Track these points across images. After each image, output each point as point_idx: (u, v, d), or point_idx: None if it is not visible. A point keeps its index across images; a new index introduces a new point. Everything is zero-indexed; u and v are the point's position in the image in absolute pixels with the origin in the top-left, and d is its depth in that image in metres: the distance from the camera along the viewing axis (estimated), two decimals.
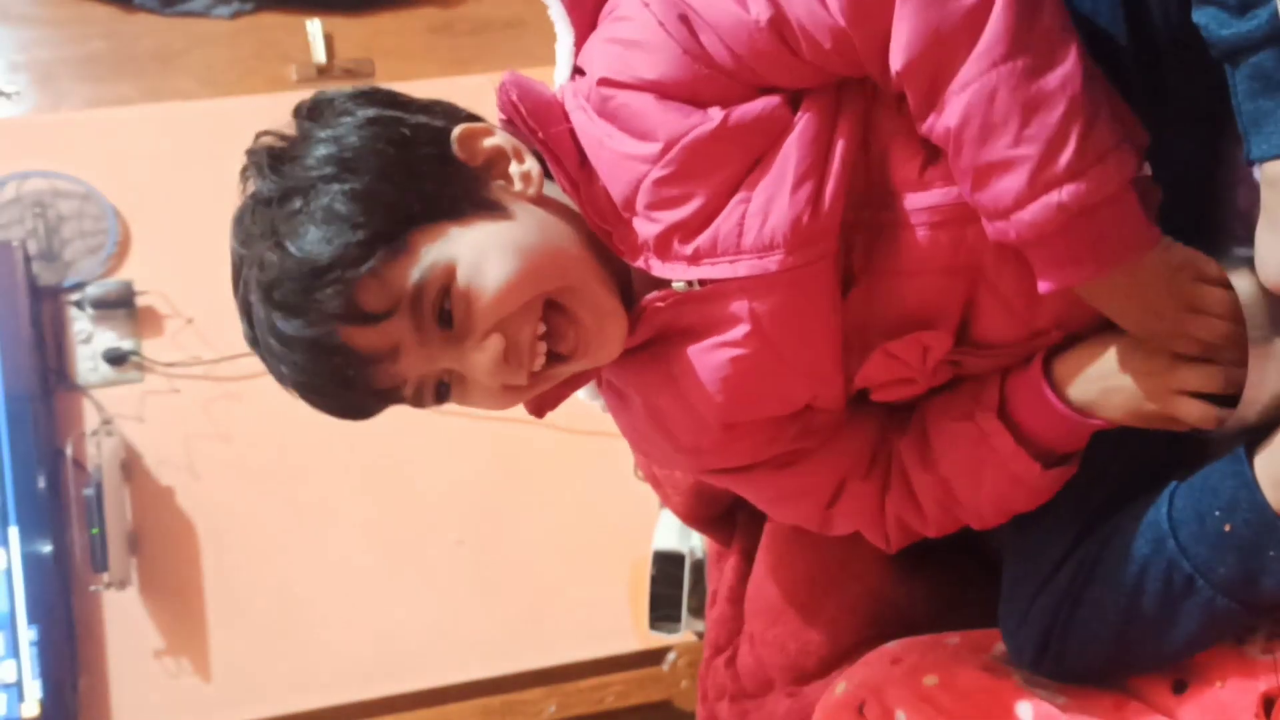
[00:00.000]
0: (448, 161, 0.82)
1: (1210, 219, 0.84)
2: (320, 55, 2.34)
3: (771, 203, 0.80)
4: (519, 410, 0.92)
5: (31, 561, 2.02)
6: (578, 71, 0.87)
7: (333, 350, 0.77)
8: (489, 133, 0.84)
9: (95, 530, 2.02)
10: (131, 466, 2.16)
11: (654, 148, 0.80)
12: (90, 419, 2.16)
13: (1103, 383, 0.85)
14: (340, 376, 0.79)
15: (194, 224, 2.19)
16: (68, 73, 2.35)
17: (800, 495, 0.97)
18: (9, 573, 2.01)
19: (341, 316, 0.76)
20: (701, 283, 0.83)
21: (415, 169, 0.80)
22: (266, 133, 0.83)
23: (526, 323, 0.81)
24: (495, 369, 0.80)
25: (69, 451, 2.10)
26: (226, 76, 2.32)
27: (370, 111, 0.82)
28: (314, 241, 0.77)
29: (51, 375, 2.15)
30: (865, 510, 0.96)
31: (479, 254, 0.79)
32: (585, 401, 1.03)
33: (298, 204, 0.78)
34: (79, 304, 2.18)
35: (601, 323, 0.84)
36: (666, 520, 2.08)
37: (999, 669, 0.95)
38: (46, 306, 2.18)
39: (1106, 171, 0.73)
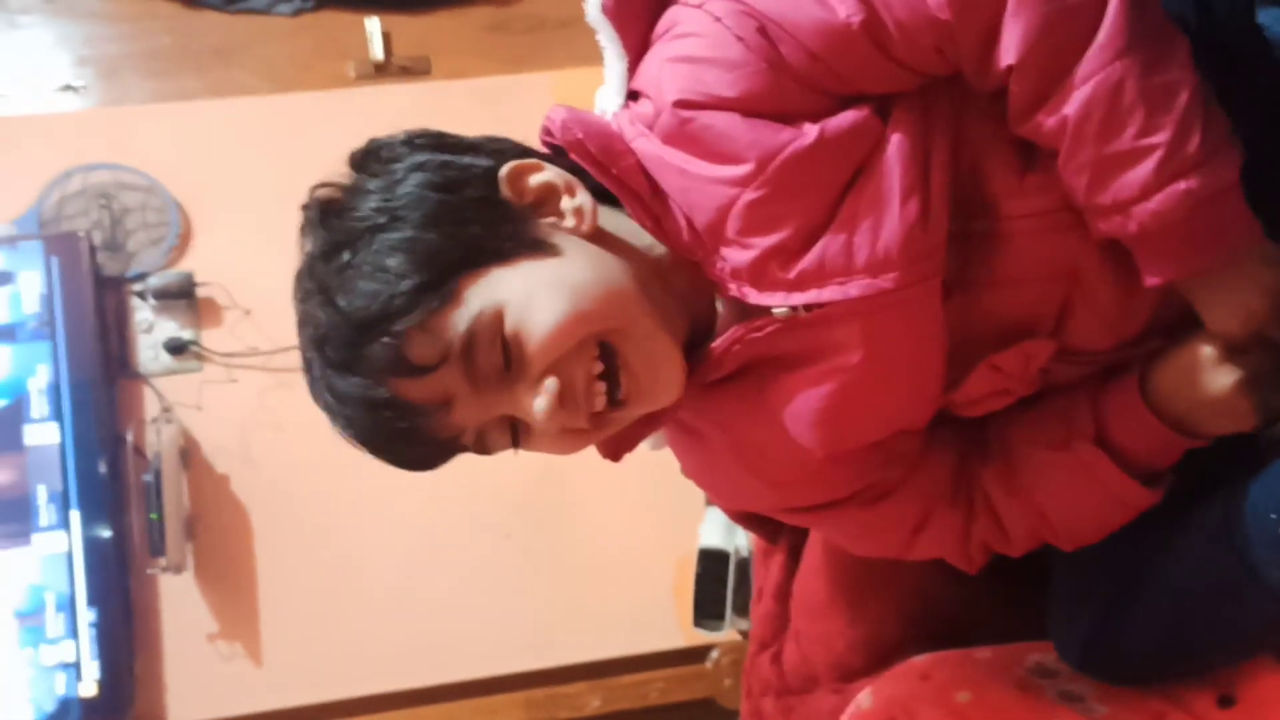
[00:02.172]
0: (495, 203, 0.80)
1: (1271, 214, 0.83)
2: (378, 52, 2.37)
3: (881, 219, 0.77)
4: None
5: (92, 545, 2.06)
6: (630, 98, 0.84)
7: (385, 404, 0.77)
8: (538, 168, 0.82)
9: (154, 515, 2.05)
10: (189, 454, 2.20)
11: (744, 169, 0.77)
12: (150, 407, 2.20)
13: (1209, 405, 0.82)
14: (395, 430, 0.78)
15: (254, 217, 2.24)
16: (133, 67, 2.39)
17: (886, 530, 0.94)
18: (70, 556, 2.05)
19: (391, 370, 0.76)
20: (807, 308, 0.80)
21: (461, 213, 0.79)
22: (323, 185, 0.83)
23: (580, 363, 0.78)
24: (552, 411, 0.77)
25: (130, 438, 2.14)
26: (287, 72, 2.35)
27: (418, 158, 0.80)
28: (361, 296, 0.76)
29: (114, 364, 2.19)
30: (951, 538, 0.94)
31: (527, 295, 0.77)
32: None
33: (346, 257, 0.78)
34: (141, 294, 2.22)
35: (655, 370, 0.80)
36: (712, 518, 2.08)
37: (1033, 684, 0.94)
38: (110, 296, 2.22)
39: (1226, 159, 0.73)
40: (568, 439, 0.81)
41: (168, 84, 2.38)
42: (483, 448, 0.81)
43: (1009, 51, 0.73)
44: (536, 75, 2.38)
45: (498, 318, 0.77)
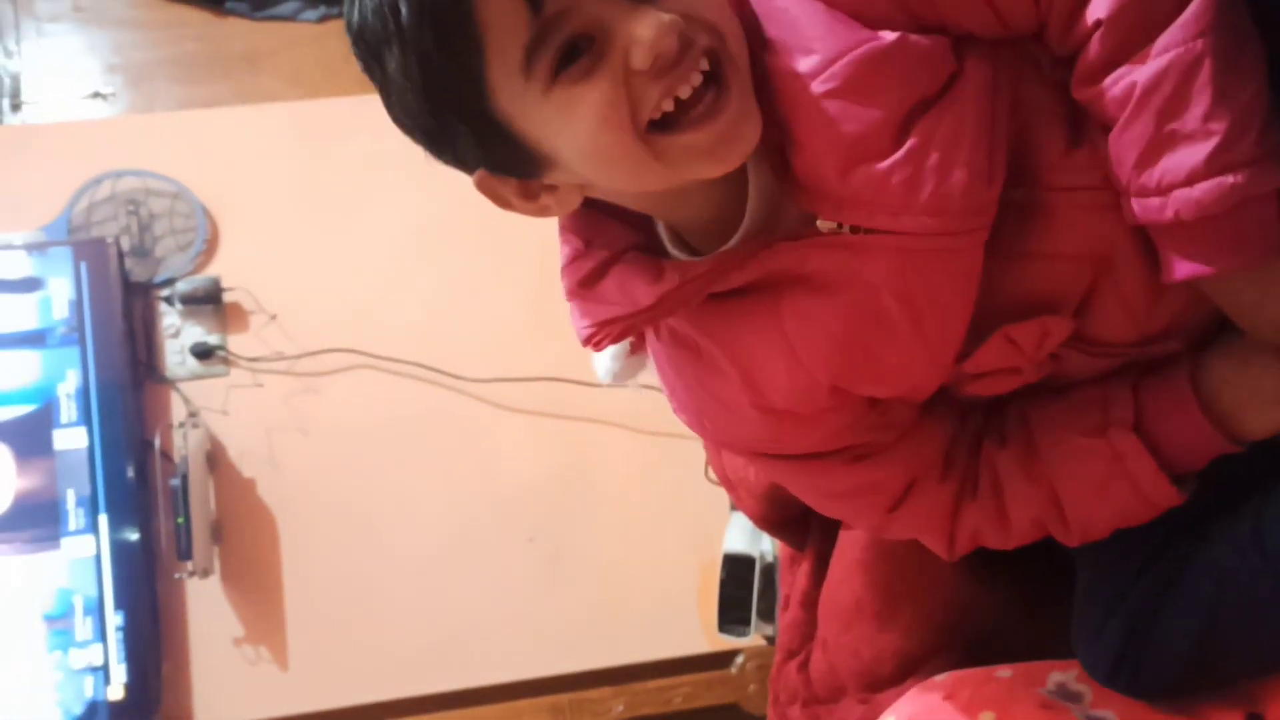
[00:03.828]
0: None
1: None
2: None
3: (953, 160, 0.75)
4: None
5: (119, 549, 2.08)
6: None
7: None
8: None
9: (181, 519, 2.06)
10: (216, 458, 2.21)
11: (814, 60, 0.75)
12: (177, 411, 2.22)
13: (1257, 393, 0.81)
14: None
15: (280, 222, 2.25)
16: (161, 74, 2.42)
17: (867, 492, 0.92)
18: (98, 559, 2.07)
19: None
20: (852, 229, 0.78)
21: None
22: None
23: (700, 36, 0.73)
24: (664, 30, 0.70)
25: (157, 442, 2.16)
26: (313, 78, 2.37)
27: None
28: None
29: (141, 368, 2.21)
30: (934, 514, 0.92)
31: None
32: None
33: None
34: (168, 299, 2.23)
35: (742, 111, 0.74)
36: (737, 522, 2.07)
37: (1056, 705, 0.93)
38: (138, 302, 2.24)
39: (1275, 166, 0.72)
40: (608, 121, 0.72)
41: (196, 91, 2.40)
42: (540, 46, 0.70)
43: (1101, 5, 0.73)
44: None
45: None
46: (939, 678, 0.99)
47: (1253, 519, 0.82)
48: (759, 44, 0.77)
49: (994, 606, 1.08)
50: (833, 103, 0.75)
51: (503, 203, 0.81)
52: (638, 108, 0.72)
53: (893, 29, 0.75)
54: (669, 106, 0.73)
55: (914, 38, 0.75)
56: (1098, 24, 0.73)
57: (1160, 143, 0.73)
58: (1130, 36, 0.73)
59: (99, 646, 2.05)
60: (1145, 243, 0.79)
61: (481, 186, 0.80)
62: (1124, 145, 0.74)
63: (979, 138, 0.76)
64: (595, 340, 0.83)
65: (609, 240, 0.84)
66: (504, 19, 0.70)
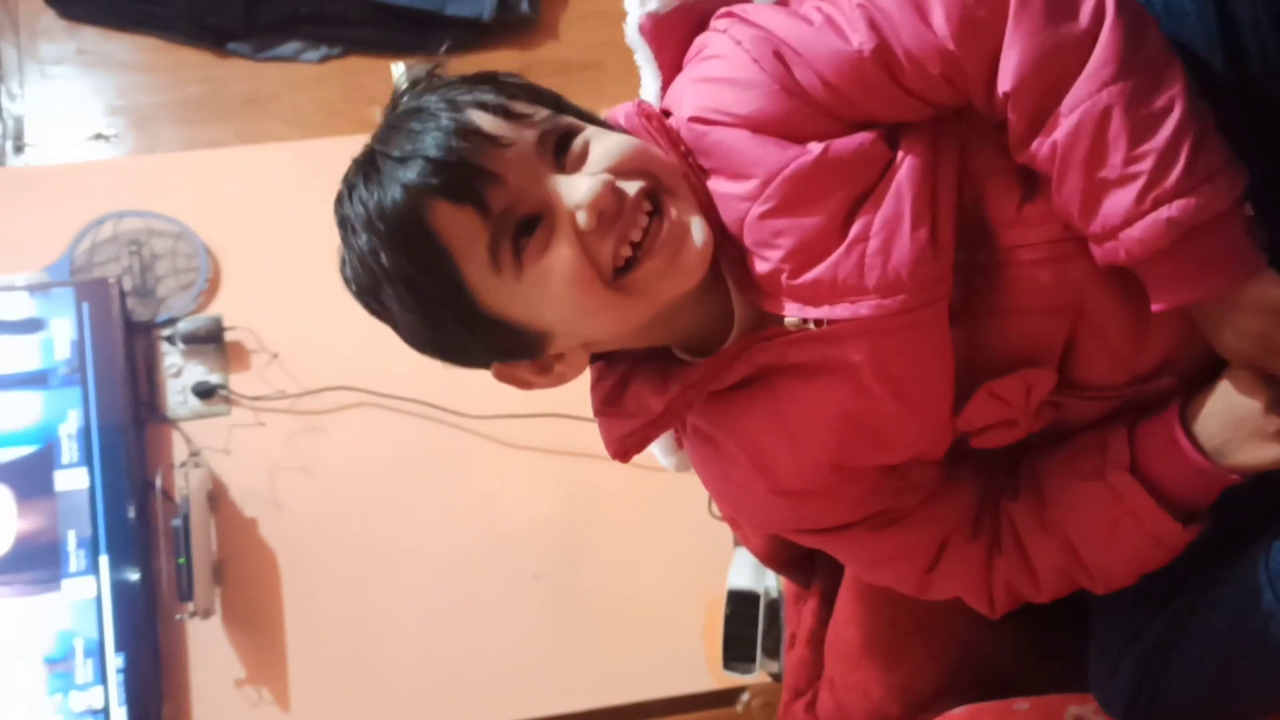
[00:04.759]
0: None
1: None
2: None
3: (892, 242, 0.78)
4: (595, 445, 0.92)
5: (121, 590, 2.06)
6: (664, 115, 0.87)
7: (465, 127, 0.77)
8: None
9: (182, 560, 2.05)
10: (217, 498, 2.20)
11: (752, 184, 0.80)
12: (179, 451, 2.21)
13: (1237, 428, 0.82)
14: (454, 151, 0.77)
15: (282, 261, 2.26)
16: (164, 116, 2.43)
17: (900, 557, 0.94)
18: (99, 601, 2.05)
19: (488, 106, 0.79)
20: (817, 323, 0.82)
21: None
22: None
23: (632, 183, 0.79)
24: (599, 191, 0.77)
25: (158, 483, 2.15)
26: (315, 119, 2.38)
27: None
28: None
29: (143, 408, 2.21)
30: (970, 573, 0.93)
31: (605, 133, 0.82)
32: (660, 462, 1.02)
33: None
34: (170, 339, 2.23)
35: (688, 231, 0.80)
36: (741, 559, 2.06)
37: None
38: (140, 341, 2.24)
39: (1216, 190, 0.73)
40: (582, 268, 0.79)
41: (198, 132, 2.41)
42: (498, 238, 0.78)
43: (1005, 79, 0.76)
44: None
45: (579, 129, 0.81)
46: (957, 710, 0.99)
47: (1265, 557, 0.81)
48: (700, 175, 0.83)
49: (1004, 645, 1.07)
50: (774, 221, 0.80)
51: (523, 384, 0.88)
52: (599, 262, 0.79)
53: (823, 137, 0.79)
54: (627, 252, 0.79)
55: (839, 143, 0.79)
56: (1006, 96, 0.76)
57: (1094, 191, 0.75)
58: (1040, 103, 0.75)
59: (100, 689, 2.03)
60: (1118, 287, 0.80)
61: (500, 377, 0.88)
62: (1065, 199, 0.77)
63: (919, 216, 0.78)
64: (621, 453, 0.90)
65: (627, 354, 0.90)
66: (461, 229, 0.77)
